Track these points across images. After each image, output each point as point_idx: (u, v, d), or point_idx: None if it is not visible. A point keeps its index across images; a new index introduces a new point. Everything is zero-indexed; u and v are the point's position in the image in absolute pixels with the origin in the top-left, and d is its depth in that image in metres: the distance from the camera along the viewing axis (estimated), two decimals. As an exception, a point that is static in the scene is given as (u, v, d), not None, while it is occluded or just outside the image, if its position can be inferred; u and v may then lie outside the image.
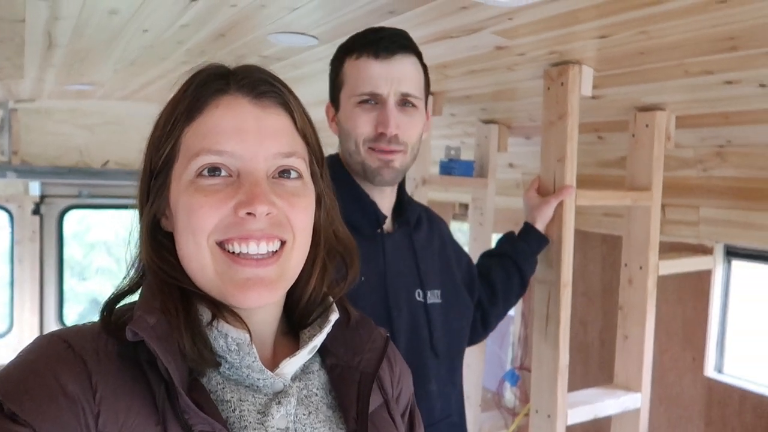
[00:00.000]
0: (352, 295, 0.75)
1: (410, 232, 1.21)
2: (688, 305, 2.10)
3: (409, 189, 1.25)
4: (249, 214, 0.60)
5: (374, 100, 1.10)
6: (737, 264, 2.02)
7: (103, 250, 5.46)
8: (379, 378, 0.72)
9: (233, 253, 0.61)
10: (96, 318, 0.61)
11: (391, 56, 1.08)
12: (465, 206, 3.20)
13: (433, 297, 1.21)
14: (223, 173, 0.61)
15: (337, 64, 1.15)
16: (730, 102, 1.50)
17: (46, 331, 0.67)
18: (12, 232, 3.21)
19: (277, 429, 0.61)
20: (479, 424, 2.41)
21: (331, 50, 1.17)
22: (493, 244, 2.33)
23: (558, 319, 1.55)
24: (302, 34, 1.47)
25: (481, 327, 1.41)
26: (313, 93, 1.71)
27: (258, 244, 0.61)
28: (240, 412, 0.60)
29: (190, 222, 0.60)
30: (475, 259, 1.47)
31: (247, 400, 0.61)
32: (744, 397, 1.92)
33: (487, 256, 1.53)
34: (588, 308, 2.50)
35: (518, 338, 2.89)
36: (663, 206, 1.87)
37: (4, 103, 3.07)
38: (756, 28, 1.10)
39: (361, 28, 1.16)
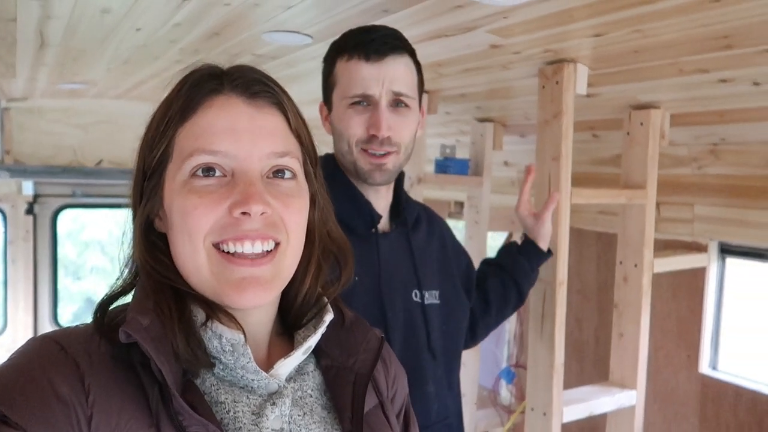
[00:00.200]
0: (346, 296, 0.74)
1: (407, 232, 1.20)
2: (682, 303, 2.11)
3: (405, 187, 1.25)
4: (244, 213, 0.60)
5: (366, 101, 1.09)
6: (731, 261, 2.03)
7: (97, 249, 5.44)
8: (374, 379, 0.72)
9: (228, 252, 0.61)
10: (90, 319, 0.61)
11: (382, 58, 1.07)
12: (460, 204, 3.21)
13: (431, 298, 1.19)
14: (218, 173, 0.61)
15: (329, 63, 1.14)
16: (724, 100, 1.51)
17: (40, 332, 0.67)
18: (5, 232, 3.19)
19: (272, 430, 0.61)
20: (475, 422, 2.42)
21: (325, 49, 1.16)
22: (489, 243, 2.34)
23: (553, 316, 1.56)
24: (296, 32, 1.47)
25: (469, 335, 1.36)
26: (308, 92, 1.71)
27: (253, 244, 0.61)
28: (234, 413, 0.60)
29: (185, 224, 0.60)
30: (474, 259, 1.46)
31: (242, 401, 0.61)
32: (738, 393, 1.93)
33: (486, 264, 1.49)
34: (583, 306, 2.51)
35: (514, 336, 2.90)
36: (658, 204, 1.88)
37: (-4, 102, 3.05)
38: (750, 26, 1.10)
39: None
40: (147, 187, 0.64)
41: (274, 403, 0.62)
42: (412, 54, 1.13)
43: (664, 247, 2.03)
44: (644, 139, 1.71)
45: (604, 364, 1.99)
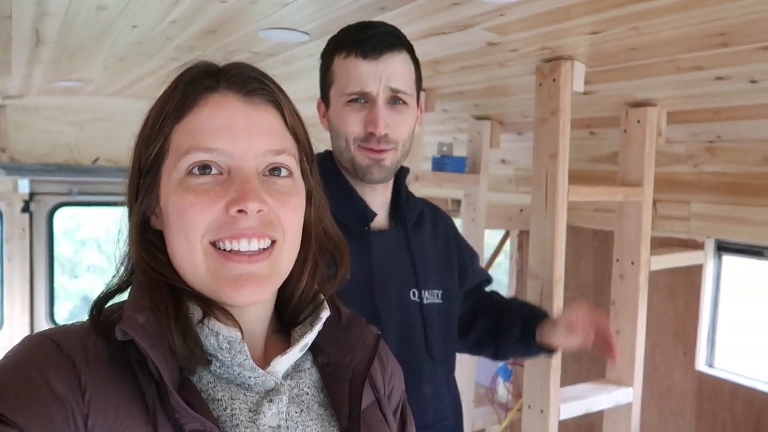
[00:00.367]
0: (339, 294, 0.74)
1: (407, 231, 1.19)
2: (679, 300, 2.11)
3: (403, 185, 1.24)
4: (240, 211, 0.59)
5: (364, 99, 1.08)
6: (728, 259, 2.04)
7: (94, 247, 5.43)
8: (371, 376, 0.72)
9: (225, 250, 0.60)
10: (86, 316, 0.61)
11: (379, 55, 1.06)
12: (457, 202, 3.21)
13: (432, 297, 1.18)
14: (214, 171, 0.61)
15: (327, 60, 1.13)
16: (720, 98, 1.51)
17: (37, 330, 0.67)
18: (1, 230, 3.19)
19: (269, 427, 0.61)
20: (472, 420, 2.42)
21: (322, 46, 1.16)
22: (486, 241, 2.34)
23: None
24: (293, 30, 1.47)
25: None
26: (305, 89, 1.71)
27: (249, 242, 0.61)
28: (231, 410, 0.60)
29: (182, 222, 0.60)
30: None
31: (239, 399, 0.61)
32: (735, 390, 1.94)
33: (496, 300, 1.40)
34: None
35: (511, 334, 2.89)
36: (654, 201, 1.88)
37: (-8, 99, 3.04)
38: (747, 24, 1.11)
39: (352, 24, 1.15)
40: (143, 184, 0.64)
41: (271, 400, 0.62)
42: (410, 51, 1.12)
43: (661, 244, 2.04)
44: (641, 136, 1.71)
45: (600, 361, 1.99)
